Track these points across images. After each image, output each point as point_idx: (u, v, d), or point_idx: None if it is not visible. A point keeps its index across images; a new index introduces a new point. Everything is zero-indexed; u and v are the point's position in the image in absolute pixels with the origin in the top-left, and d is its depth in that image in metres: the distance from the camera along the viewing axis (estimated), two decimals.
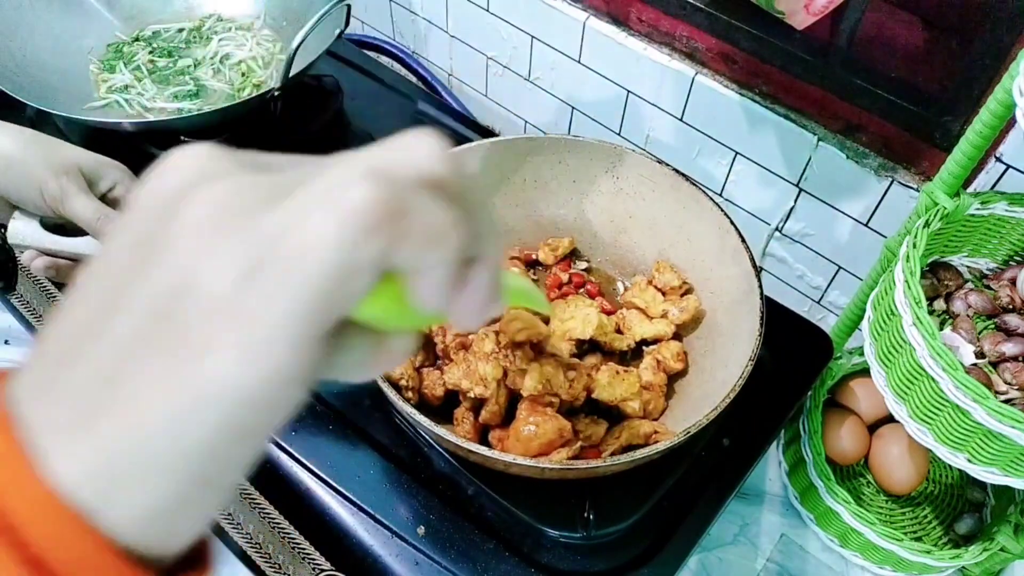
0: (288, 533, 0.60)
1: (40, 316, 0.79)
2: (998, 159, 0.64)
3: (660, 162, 0.68)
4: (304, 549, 0.59)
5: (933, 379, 0.52)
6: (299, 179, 0.20)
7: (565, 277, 0.71)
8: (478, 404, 0.59)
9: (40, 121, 0.88)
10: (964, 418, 0.51)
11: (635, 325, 0.65)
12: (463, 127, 0.92)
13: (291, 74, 0.76)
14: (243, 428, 0.19)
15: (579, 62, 0.92)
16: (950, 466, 0.68)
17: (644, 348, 0.65)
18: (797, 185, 0.80)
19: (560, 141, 0.70)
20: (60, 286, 0.75)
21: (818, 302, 0.88)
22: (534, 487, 0.58)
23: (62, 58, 0.88)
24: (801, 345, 0.69)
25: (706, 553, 0.73)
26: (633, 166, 0.70)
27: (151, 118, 0.85)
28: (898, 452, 0.73)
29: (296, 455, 0.61)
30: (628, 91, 0.90)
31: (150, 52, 0.92)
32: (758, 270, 0.60)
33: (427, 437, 0.62)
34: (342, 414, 0.64)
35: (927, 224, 0.57)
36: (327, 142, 0.89)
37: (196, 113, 0.83)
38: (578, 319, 0.61)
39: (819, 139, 0.75)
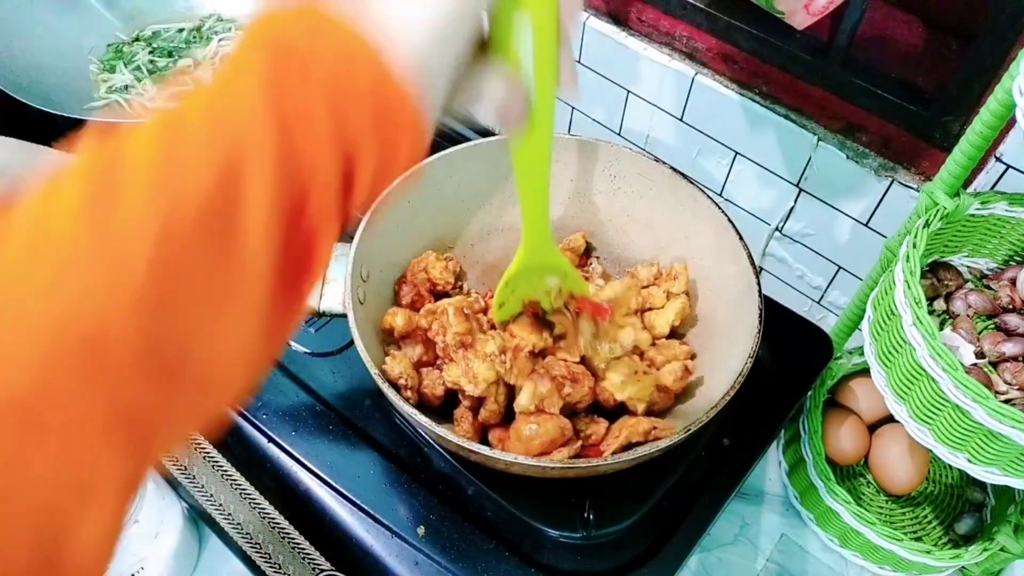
0: (288, 533, 0.60)
1: None
2: (998, 159, 0.64)
3: (658, 161, 0.68)
4: (304, 549, 0.59)
5: (933, 379, 0.52)
6: None
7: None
8: (478, 404, 0.59)
9: (40, 121, 0.88)
10: (964, 418, 0.51)
11: (657, 321, 0.65)
12: (463, 127, 0.92)
13: None
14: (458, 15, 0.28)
15: (579, 62, 0.92)
16: (950, 466, 0.68)
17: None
18: (797, 185, 0.80)
19: (558, 140, 0.70)
20: None
21: (818, 302, 0.88)
22: (534, 487, 0.58)
23: (62, 58, 0.88)
24: (801, 345, 0.69)
25: (706, 553, 0.73)
26: (631, 165, 0.70)
27: None
28: (898, 452, 0.73)
29: (296, 455, 0.61)
30: (628, 91, 0.90)
31: (150, 52, 0.92)
32: (756, 268, 0.60)
33: (427, 437, 0.62)
34: (342, 414, 0.64)
35: (927, 224, 0.57)
36: None
37: None
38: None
39: (819, 139, 0.75)
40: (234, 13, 0.98)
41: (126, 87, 0.88)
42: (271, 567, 0.63)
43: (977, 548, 0.68)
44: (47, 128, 0.88)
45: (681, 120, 0.86)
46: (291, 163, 0.24)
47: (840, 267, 0.82)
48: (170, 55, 0.92)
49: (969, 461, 0.54)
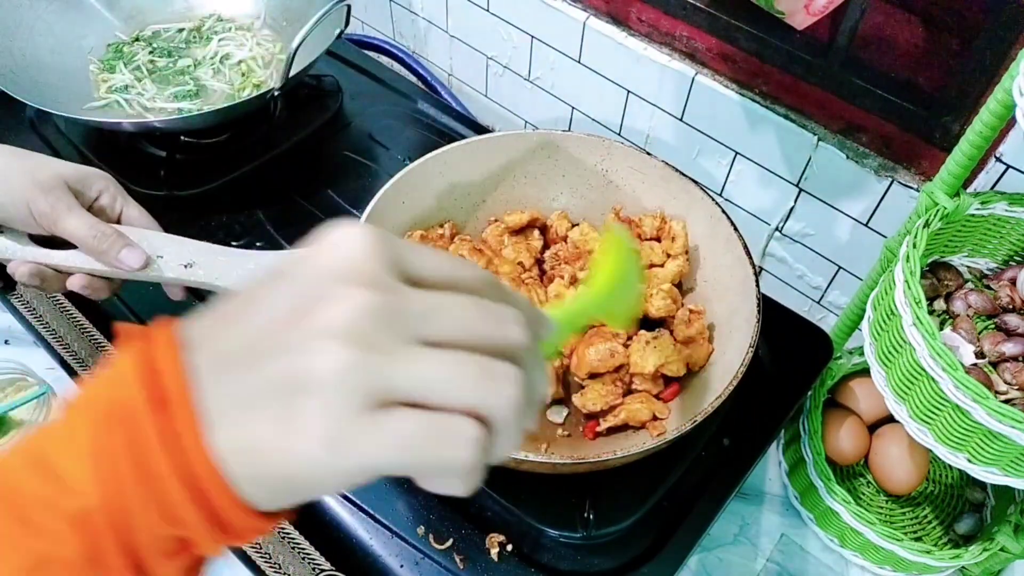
0: (288, 533, 0.60)
1: (40, 316, 0.79)
2: (998, 159, 0.64)
3: (649, 154, 0.68)
4: (304, 549, 0.59)
5: (933, 379, 0.52)
6: (436, 315, 0.24)
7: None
8: None
9: (40, 121, 0.88)
10: (964, 418, 0.51)
11: (654, 280, 0.67)
12: (463, 127, 0.92)
13: (291, 74, 0.77)
14: (296, 479, 0.24)
15: (579, 62, 0.92)
16: (950, 466, 0.68)
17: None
18: (797, 185, 0.80)
19: (549, 136, 0.71)
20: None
21: (818, 302, 0.88)
22: (534, 487, 0.58)
23: (62, 58, 0.88)
24: (801, 345, 0.69)
25: (706, 553, 0.73)
26: (622, 159, 0.70)
27: (151, 118, 0.85)
28: (898, 452, 0.72)
29: None
30: (628, 91, 0.90)
31: (150, 52, 0.92)
32: (752, 257, 0.61)
33: None
34: None
35: (927, 224, 0.57)
36: (327, 142, 0.89)
37: (196, 113, 0.83)
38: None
39: (819, 139, 0.75)
40: (234, 13, 0.98)
41: (126, 87, 0.88)
42: (271, 567, 0.63)
43: (977, 548, 0.68)
44: (47, 128, 0.88)
45: (681, 120, 0.86)
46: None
47: (840, 267, 0.82)
48: (170, 55, 0.92)
49: (969, 461, 0.54)
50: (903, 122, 0.69)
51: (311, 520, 0.59)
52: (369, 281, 0.24)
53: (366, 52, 1.05)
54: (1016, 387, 0.57)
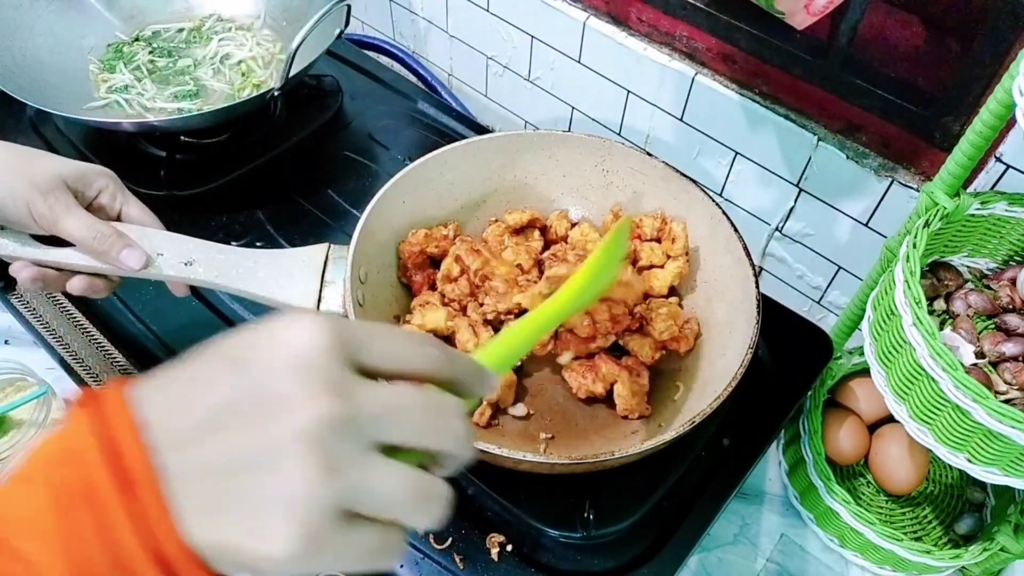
0: None
1: (40, 316, 0.79)
2: (998, 159, 0.64)
3: (649, 155, 0.68)
4: None
5: (933, 379, 0.52)
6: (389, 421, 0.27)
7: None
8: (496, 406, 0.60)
9: (40, 121, 0.88)
10: (964, 418, 0.51)
11: (655, 281, 0.67)
12: (463, 127, 0.92)
13: (291, 74, 0.77)
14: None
15: (579, 62, 0.92)
16: (950, 466, 0.68)
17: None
18: (797, 185, 0.80)
19: (549, 136, 0.71)
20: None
21: (818, 302, 0.88)
22: (534, 487, 0.58)
23: (62, 58, 0.88)
24: (801, 345, 0.69)
25: (706, 553, 0.73)
26: (623, 159, 0.70)
27: (151, 118, 0.85)
28: (898, 452, 0.72)
29: None
30: (628, 91, 0.90)
31: (150, 52, 0.92)
32: (752, 257, 0.61)
33: None
34: None
35: (927, 224, 0.57)
36: (327, 142, 0.89)
37: (196, 113, 0.83)
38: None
39: (819, 139, 0.75)
40: (234, 13, 0.98)
41: (126, 87, 0.88)
42: None
43: (977, 548, 0.68)
44: (47, 128, 0.88)
45: (681, 120, 0.86)
46: None
47: (840, 267, 0.82)
48: (170, 55, 0.92)
49: (969, 461, 0.54)
50: (903, 122, 0.69)
51: None
52: (325, 382, 0.25)
53: (366, 52, 1.05)
54: (1016, 387, 0.57)
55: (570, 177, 0.73)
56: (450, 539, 0.58)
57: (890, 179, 0.72)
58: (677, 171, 0.67)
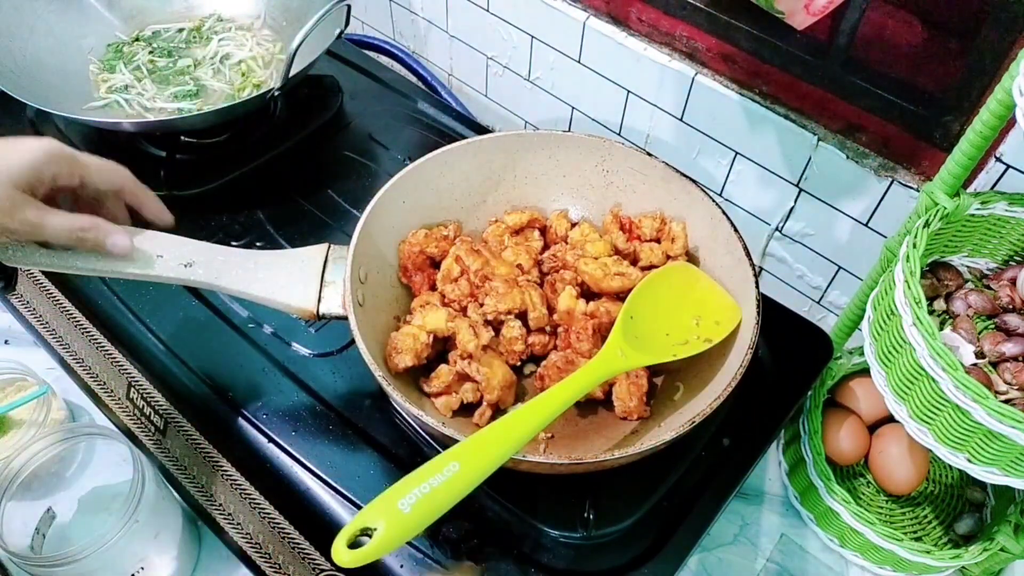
0: (288, 533, 0.60)
1: (40, 316, 0.79)
2: (998, 159, 0.64)
3: (649, 155, 0.68)
4: (304, 549, 0.59)
5: (933, 379, 0.52)
6: None
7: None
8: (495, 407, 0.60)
9: (40, 121, 0.88)
10: (964, 418, 0.51)
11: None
12: (463, 127, 0.92)
13: (291, 74, 0.77)
14: None
15: (579, 62, 0.92)
16: (950, 466, 0.68)
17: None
18: (797, 185, 0.80)
19: (550, 136, 0.71)
20: (60, 286, 0.75)
21: (818, 302, 0.88)
22: (534, 487, 0.58)
23: (62, 58, 0.88)
24: (801, 345, 0.69)
25: (706, 553, 0.73)
26: (623, 159, 0.70)
27: (151, 118, 0.85)
28: (898, 452, 0.72)
29: (296, 455, 0.61)
30: (628, 91, 0.90)
31: (150, 52, 0.92)
32: (752, 258, 0.61)
33: (427, 437, 0.62)
34: (342, 414, 0.64)
35: (927, 224, 0.57)
36: (327, 142, 0.89)
37: (196, 113, 0.83)
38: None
39: (819, 139, 0.75)
40: (234, 13, 0.98)
41: (126, 87, 0.88)
42: (271, 567, 0.63)
43: (977, 548, 0.68)
44: (47, 128, 0.88)
45: (681, 120, 0.86)
46: None
47: (840, 267, 0.82)
48: (170, 55, 0.92)
49: (969, 461, 0.54)
50: (903, 122, 0.69)
51: (311, 520, 0.59)
52: None
53: (366, 52, 1.05)
54: (1016, 387, 0.57)
55: (570, 177, 0.73)
56: (450, 539, 0.58)
57: (890, 179, 0.72)
58: (677, 171, 0.67)
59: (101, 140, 0.86)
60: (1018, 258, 0.66)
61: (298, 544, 0.60)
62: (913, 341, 0.53)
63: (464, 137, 0.79)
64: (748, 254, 0.61)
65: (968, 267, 0.67)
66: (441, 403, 0.60)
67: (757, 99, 0.79)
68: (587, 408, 0.63)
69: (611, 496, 0.59)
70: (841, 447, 0.74)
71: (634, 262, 0.68)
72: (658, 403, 0.63)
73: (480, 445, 0.46)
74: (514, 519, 0.59)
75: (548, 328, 0.64)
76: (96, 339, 0.72)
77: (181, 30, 0.95)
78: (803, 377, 0.68)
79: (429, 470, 0.43)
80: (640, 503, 0.59)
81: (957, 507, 0.77)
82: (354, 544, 0.40)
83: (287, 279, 0.60)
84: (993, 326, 0.64)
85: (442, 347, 0.63)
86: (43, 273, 0.77)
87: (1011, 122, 0.51)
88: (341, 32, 0.83)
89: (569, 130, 1.00)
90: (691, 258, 0.68)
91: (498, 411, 0.62)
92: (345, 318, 0.57)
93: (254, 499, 0.62)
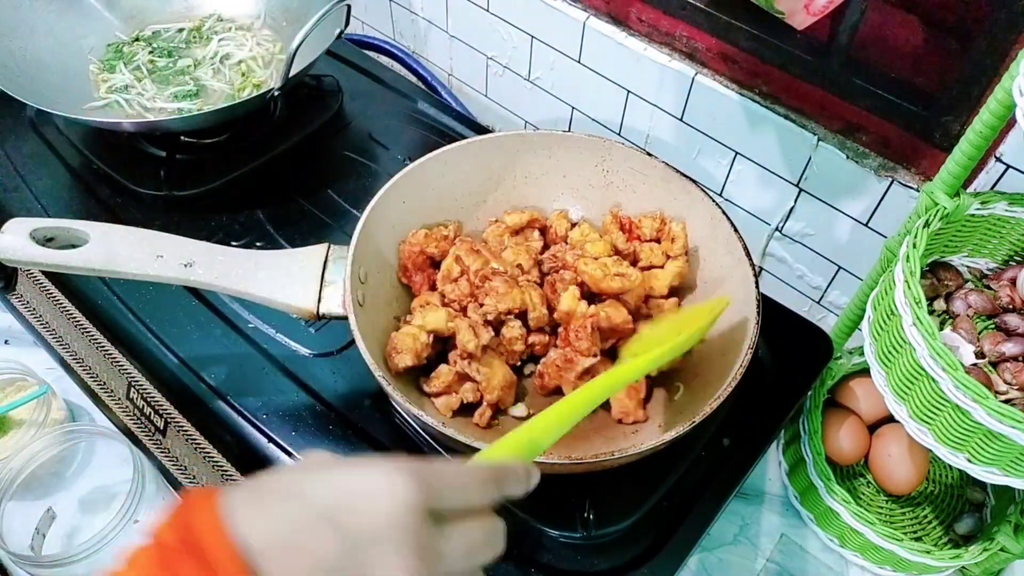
0: None
1: (40, 316, 0.79)
2: (998, 159, 0.64)
3: (649, 155, 0.68)
4: None
5: (933, 379, 0.52)
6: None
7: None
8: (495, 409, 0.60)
9: (40, 121, 0.88)
10: (964, 418, 0.51)
11: (655, 282, 0.67)
12: (463, 127, 0.92)
13: (291, 74, 0.77)
14: None
15: (579, 62, 0.92)
16: (950, 466, 0.68)
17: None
18: (797, 185, 0.80)
19: (550, 136, 0.71)
20: (60, 286, 0.75)
21: (818, 302, 0.88)
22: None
23: (62, 58, 0.88)
24: (801, 345, 0.69)
25: (706, 553, 0.73)
26: (623, 159, 0.70)
27: (151, 118, 0.85)
28: (898, 452, 0.72)
29: (296, 455, 0.61)
30: (628, 91, 0.90)
31: (150, 52, 0.92)
32: (752, 258, 0.61)
33: (427, 437, 0.62)
34: (342, 414, 0.64)
35: (927, 224, 0.57)
36: (327, 142, 0.89)
37: (196, 113, 0.83)
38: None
39: (819, 139, 0.75)
40: (234, 13, 0.98)
41: (126, 87, 0.88)
42: None
43: (977, 548, 0.68)
44: (47, 128, 0.88)
45: (681, 120, 0.86)
46: None
47: (840, 267, 0.82)
48: (170, 55, 0.92)
49: (969, 461, 0.54)
50: (903, 122, 0.69)
51: None
52: (416, 547, 0.30)
53: (366, 52, 1.05)
54: (1016, 387, 0.57)
55: (570, 177, 0.73)
56: None
57: (890, 179, 0.72)
58: (677, 171, 0.67)
59: (101, 140, 0.86)
60: (1018, 258, 0.66)
61: None
62: (913, 341, 0.53)
63: (464, 137, 0.79)
64: (748, 254, 0.61)
65: (968, 267, 0.67)
66: (441, 403, 0.60)
67: (757, 99, 0.79)
68: None
69: (611, 496, 0.59)
70: (841, 447, 0.74)
71: (634, 262, 0.68)
72: (658, 403, 0.63)
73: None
74: (514, 519, 0.59)
75: (548, 328, 0.64)
76: (96, 339, 0.72)
77: (181, 30, 0.95)
78: (803, 377, 0.68)
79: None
80: (640, 503, 0.59)
81: (957, 507, 0.77)
82: None
83: (287, 279, 0.60)
84: (993, 326, 0.64)
85: (442, 347, 0.63)
86: (43, 273, 0.77)
87: (1011, 122, 0.51)
88: (341, 32, 0.83)
89: (569, 130, 1.00)
90: (691, 258, 0.68)
91: (498, 411, 0.62)
92: (345, 318, 0.57)
93: None
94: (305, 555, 0.29)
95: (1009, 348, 0.59)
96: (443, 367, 0.61)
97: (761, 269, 0.91)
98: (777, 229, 0.86)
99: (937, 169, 0.59)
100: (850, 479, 0.79)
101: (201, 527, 0.28)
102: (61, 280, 0.75)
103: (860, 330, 0.65)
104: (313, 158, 0.87)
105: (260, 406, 0.64)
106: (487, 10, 0.99)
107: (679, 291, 0.68)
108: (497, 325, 0.62)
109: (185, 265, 0.58)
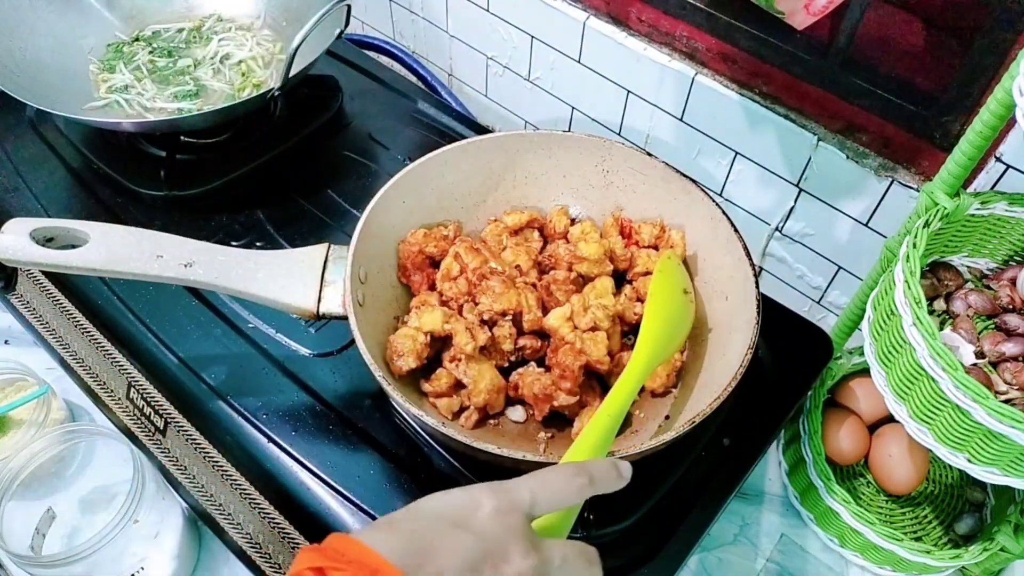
0: (288, 533, 0.60)
1: (40, 316, 0.79)
2: (998, 159, 0.64)
3: (649, 155, 0.68)
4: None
5: (933, 379, 0.52)
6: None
7: None
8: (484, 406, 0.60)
9: (40, 121, 0.88)
10: (964, 418, 0.51)
11: None
12: (463, 127, 0.92)
13: (291, 74, 0.77)
14: None
15: (579, 62, 0.92)
16: (950, 466, 0.68)
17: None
18: (797, 185, 0.80)
19: (550, 136, 0.71)
20: (60, 286, 0.75)
21: (818, 302, 0.88)
22: None
23: (62, 58, 0.88)
24: (801, 345, 0.69)
25: (706, 553, 0.73)
26: (623, 159, 0.70)
27: (151, 118, 0.85)
28: (898, 452, 0.72)
29: (296, 455, 0.61)
30: (628, 91, 0.90)
31: (150, 52, 0.92)
32: (752, 258, 0.61)
33: (427, 437, 0.62)
34: (342, 414, 0.64)
35: (927, 224, 0.57)
36: (327, 142, 0.89)
37: (196, 113, 0.83)
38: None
39: (819, 139, 0.75)
40: (234, 13, 0.98)
41: (126, 87, 0.88)
42: (271, 567, 0.63)
43: (977, 548, 0.68)
44: (47, 128, 0.88)
45: (681, 120, 0.86)
46: None
47: (840, 267, 0.82)
48: (170, 55, 0.92)
49: (969, 461, 0.54)
50: (903, 122, 0.69)
51: (312, 520, 0.59)
52: (526, 539, 0.37)
53: (366, 52, 1.05)
54: (1016, 387, 0.57)
55: (570, 177, 0.73)
56: None
57: (890, 179, 0.72)
58: (677, 171, 0.67)
59: (101, 140, 0.86)
60: (1018, 258, 0.66)
61: (298, 544, 0.60)
62: (913, 341, 0.53)
63: (464, 137, 0.79)
64: (748, 254, 0.61)
65: (968, 267, 0.67)
66: (443, 404, 0.60)
67: (757, 99, 0.79)
68: None
69: (611, 496, 0.59)
70: (841, 447, 0.74)
71: (629, 267, 0.68)
72: (658, 403, 0.63)
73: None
74: None
75: (540, 331, 0.63)
76: (96, 339, 0.72)
77: (181, 30, 0.95)
78: (803, 377, 0.68)
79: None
80: (640, 503, 0.59)
81: (957, 507, 0.77)
82: None
83: (287, 279, 0.60)
84: (993, 326, 0.64)
85: (440, 346, 0.63)
86: (43, 273, 0.77)
87: (1011, 122, 0.51)
88: (341, 32, 0.83)
89: (569, 130, 1.00)
90: (690, 260, 0.68)
91: (486, 415, 0.61)
92: (345, 318, 0.57)
93: (254, 499, 0.62)
94: (449, 555, 0.35)
95: (1009, 348, 0.59)
96: (443, 369, 0.61)
97: (761, 269, 0.91)
98: (777, 229, 0.86)
99: (937, 169, 0.59)
100: (850, 479, 0.79)
101: (349, 552, 0.33)
102: (61, 280, 0.75)
103: (860, 330, 0.65)
104: (313, 158, 0.87)
105: (260, 406, 0.64)
106: (487, 10, 0.99)
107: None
108: (491, 325, 0.62)
109: (185, 265, 0.58)
